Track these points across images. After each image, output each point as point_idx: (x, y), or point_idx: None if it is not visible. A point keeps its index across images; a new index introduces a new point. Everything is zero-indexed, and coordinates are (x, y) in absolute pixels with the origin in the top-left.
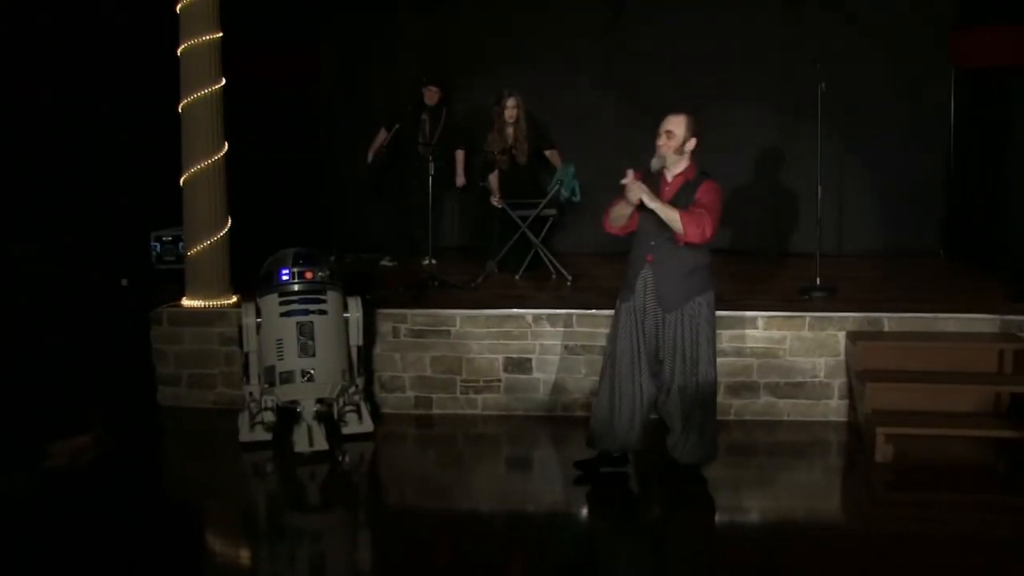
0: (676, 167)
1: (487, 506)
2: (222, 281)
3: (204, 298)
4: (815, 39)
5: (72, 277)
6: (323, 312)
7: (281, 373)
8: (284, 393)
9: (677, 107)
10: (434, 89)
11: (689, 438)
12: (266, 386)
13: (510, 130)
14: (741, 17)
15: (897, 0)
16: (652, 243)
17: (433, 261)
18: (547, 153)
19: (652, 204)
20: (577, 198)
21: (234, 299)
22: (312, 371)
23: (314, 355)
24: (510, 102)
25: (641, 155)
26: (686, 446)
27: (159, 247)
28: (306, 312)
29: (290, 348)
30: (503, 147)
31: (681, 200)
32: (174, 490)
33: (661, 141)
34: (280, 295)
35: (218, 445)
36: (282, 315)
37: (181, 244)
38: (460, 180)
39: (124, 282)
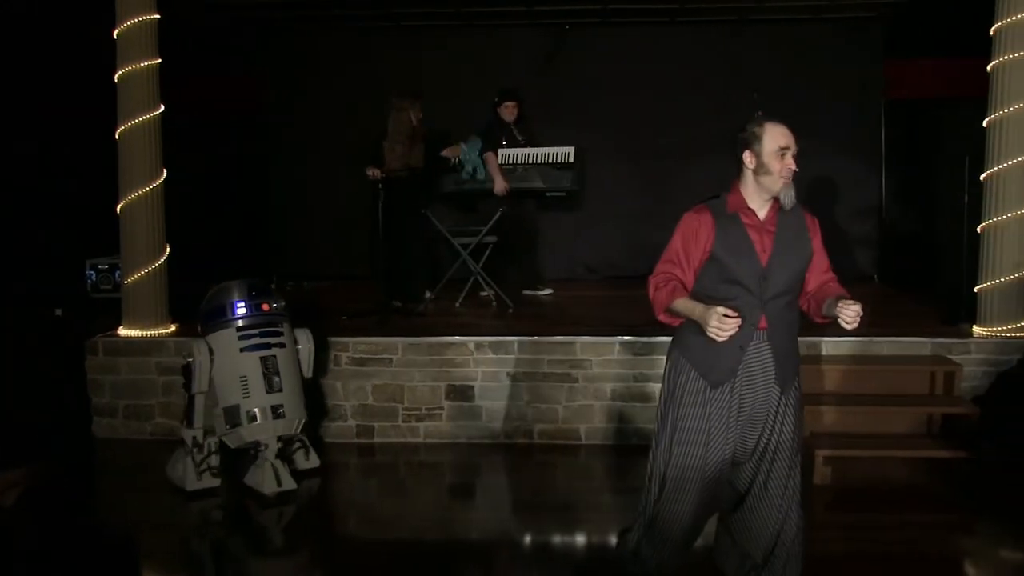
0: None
1: (431, 535)
2: (160, 310)
3: (142, 327)
4: (754, 68)
5: (3, 306)
6: (282, 345)
7: (248, 412)
8: (251, 432)
9: (607, 136)
10: (511, 104)
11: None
12: (227, 428)
13: (410, 139)
14: (682, 45)
15: (833, 33)
16: (765, 306)
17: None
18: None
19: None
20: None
21: (172, 328)
22: (282, 406)
23: (281, 390)
24: (419, 104)
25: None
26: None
27: (95, 275)
28: (268, 346)
29: (255, 385)
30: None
31: (791, 232)
32: (110, 524)
33: (793, 164)
34: (238, 329)
35: (156, 477)
36: (243, 350)
37: (118, 272)
38: (500, 185)
39: (58, 312)
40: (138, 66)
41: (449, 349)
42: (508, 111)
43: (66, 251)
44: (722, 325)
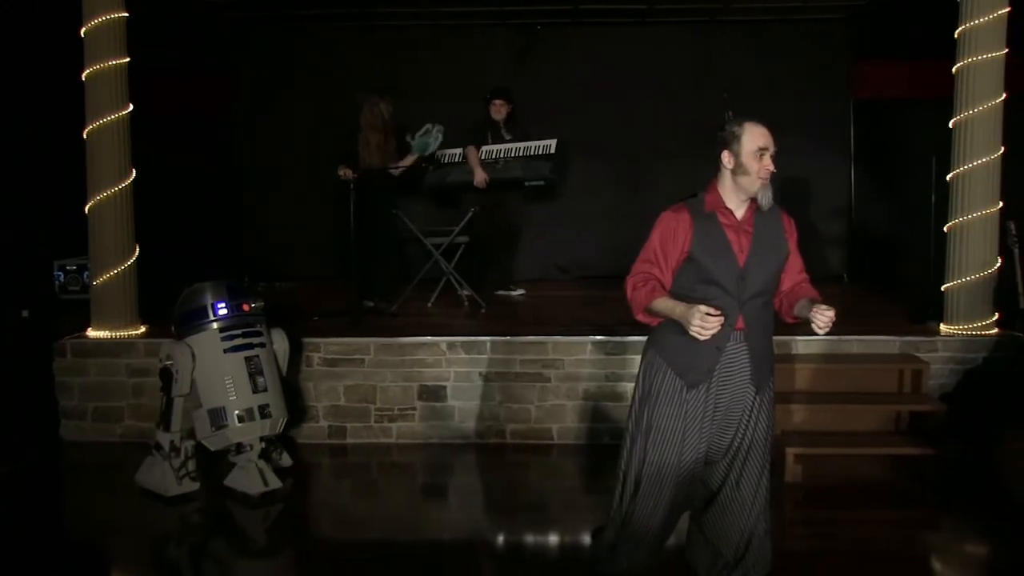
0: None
1: (404, 536)
2: (130, 311)
3: (111, 329)
4: (725, 69)
5: None
6: (263, 345)
7: (237, 413)
8: (237, 433)
9: (579, 136)
10: (499, 102)
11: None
12: (213, 430)
13: (383, 135)
14: (653, 45)
15: (802, 34)
16: (743, 306)
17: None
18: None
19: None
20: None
21: (142, 329)
22: (268, 405)
23: (266, 390)
24: (389, 98)
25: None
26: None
27: (63, 276)
28: (251, 346)
29: (242, 385)
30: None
31: (768, 233)
32: (79, 528)
33: (772, 165)
34: (221, 330)
35: (126, 480)
36: (227, 351)
37: (86, 273)
38: (480, 176)
39: (24, 313)
40: (106, 65)
41: (421, 349)
42: (496, 109)
43: (34, 252)
44: (705, 324)
